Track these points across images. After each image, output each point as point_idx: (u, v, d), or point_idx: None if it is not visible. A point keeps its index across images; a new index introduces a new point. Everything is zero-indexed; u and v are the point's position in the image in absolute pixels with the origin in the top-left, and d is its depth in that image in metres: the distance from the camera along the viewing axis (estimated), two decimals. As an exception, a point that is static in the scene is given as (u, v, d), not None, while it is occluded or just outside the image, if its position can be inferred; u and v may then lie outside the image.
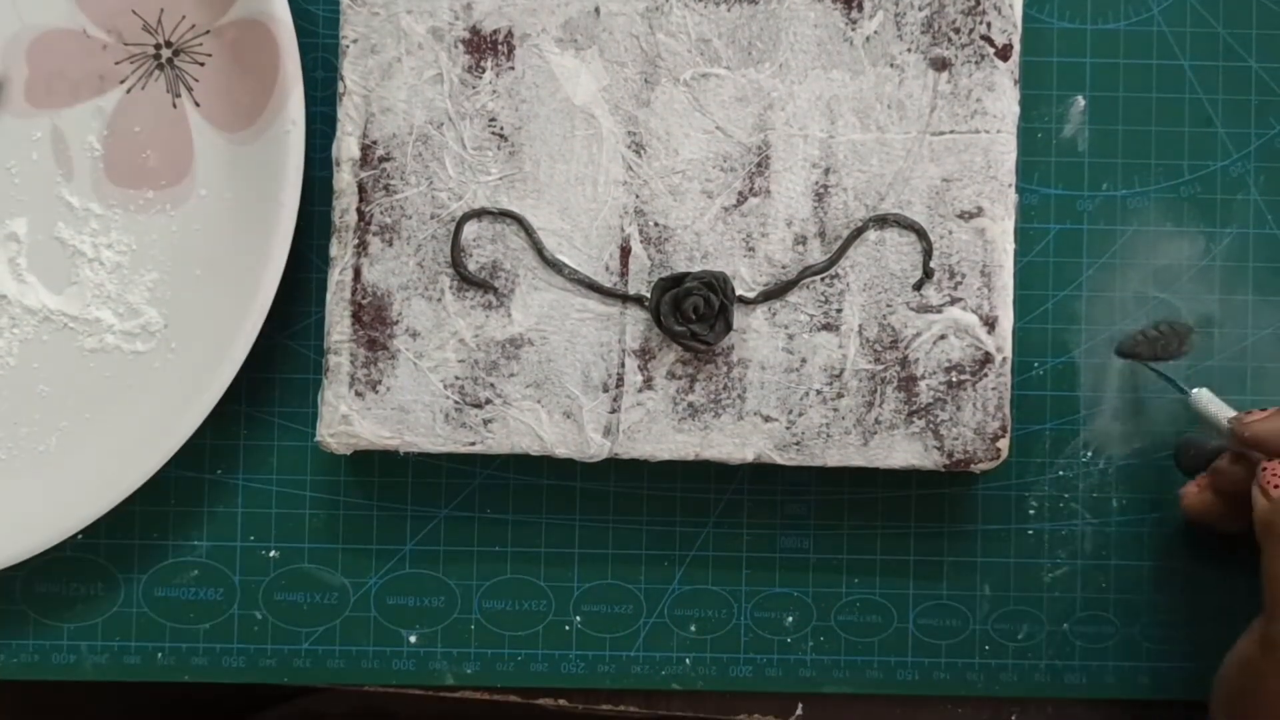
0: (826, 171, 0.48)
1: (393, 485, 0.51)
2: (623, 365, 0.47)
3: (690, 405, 0.47)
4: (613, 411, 0.47)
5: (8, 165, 0.50)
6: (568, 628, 0.51)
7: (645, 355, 0.47)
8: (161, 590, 0.51)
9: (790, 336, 0.47)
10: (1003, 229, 0.47)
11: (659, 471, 0.51)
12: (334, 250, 0.47)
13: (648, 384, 0.47)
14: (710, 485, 0.51)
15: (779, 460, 0.48)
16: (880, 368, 0.47)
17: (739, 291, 0.47)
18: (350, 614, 0.51)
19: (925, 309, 0.47)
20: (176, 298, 0.50)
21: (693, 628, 0.51)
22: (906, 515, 0.51)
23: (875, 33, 0.47)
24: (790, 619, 0.51)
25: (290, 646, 0.51)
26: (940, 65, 0.47)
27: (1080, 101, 0.52)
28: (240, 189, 0.50)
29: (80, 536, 0.51)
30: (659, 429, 0.47)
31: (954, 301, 0.47)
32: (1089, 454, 0.51)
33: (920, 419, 0.47)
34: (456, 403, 0.47)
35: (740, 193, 0.48)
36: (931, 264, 0.47)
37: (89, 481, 0.48)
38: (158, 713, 0.67)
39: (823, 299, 0.47)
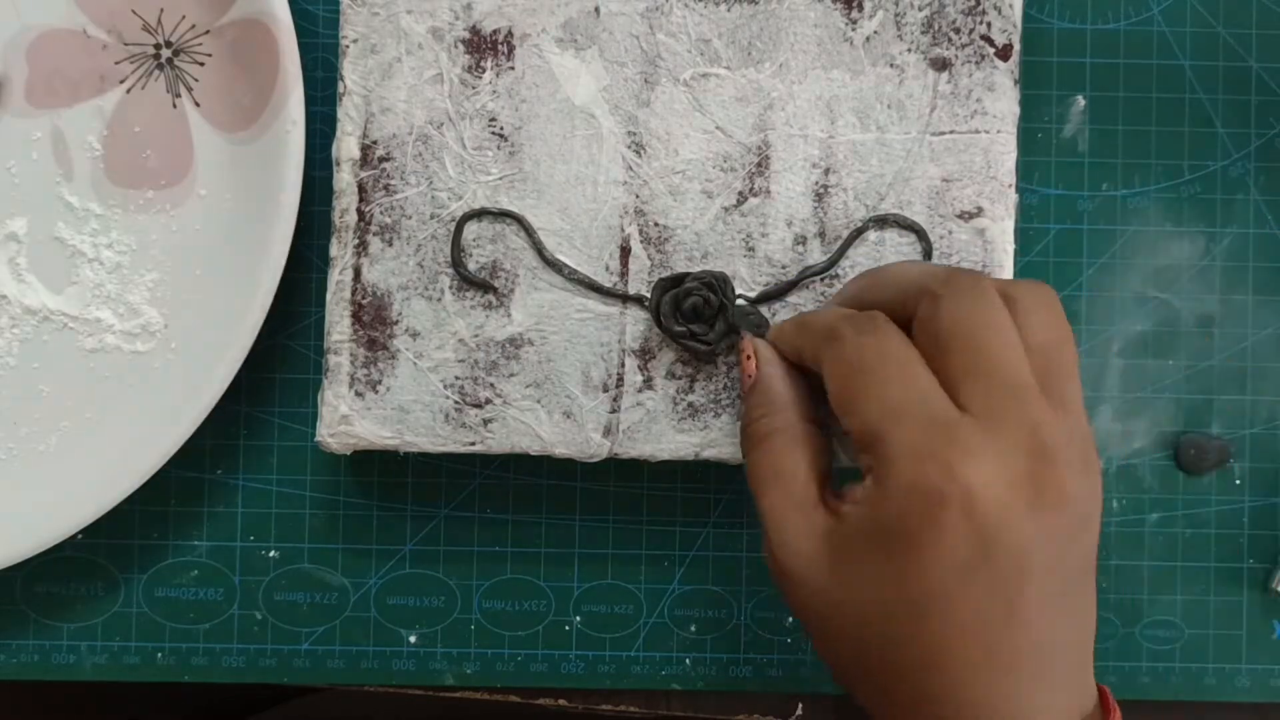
0: (826, 171, 0.48)
1: (393, 485, 0.51)
2: (623, 365, 0.47)
3: (690, 405, 0.47)
4: (612, 411, 0.47)
5: (8, 165, 0.50)
6: (568, 628, 0.51)
7: (645, 355, 0.47)
8: (161, 590, 0.51)
9: (790, 336, 0.47)
10: (1003, 229, 0.47)
11: (659, 471, 0.51)
12: (334, 250, 0.47)
13: (648, 384, 0.47)
14: (710, 485, 0.51)
15: (779, 460, 0.47)
16: (880, 368, 0.47)
17: (739, 291, 0.47)
18: (350, 614, 0.51)
19: (925, 309, 0.47)
20: (176, 298, 0.50)
21: (693, 628, 0.51)
22: (906, 515, 0.51)
23: (875, 33, 0.47)
24: (790, 619, 0.51)
25: (290, 646, 0.51)
26: (940, 65, 0.47)
27: (1080, 101, 0.52)
28: (240, 189, 0.50)
29: (80, 536, 0.51)
30: (659, 429, 0.47)
31: (954, 301, 0.47)
32: (1089, 454, 0.51)
33: (920, 419, 0.47)
34: (456, 403, 0.47)
35: (740, 193, 0.48)
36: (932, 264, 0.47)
37: (89, 481, 0.48)
38: (157, 713, 0.67)
39: (823, 299, 0.47)
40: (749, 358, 0.44)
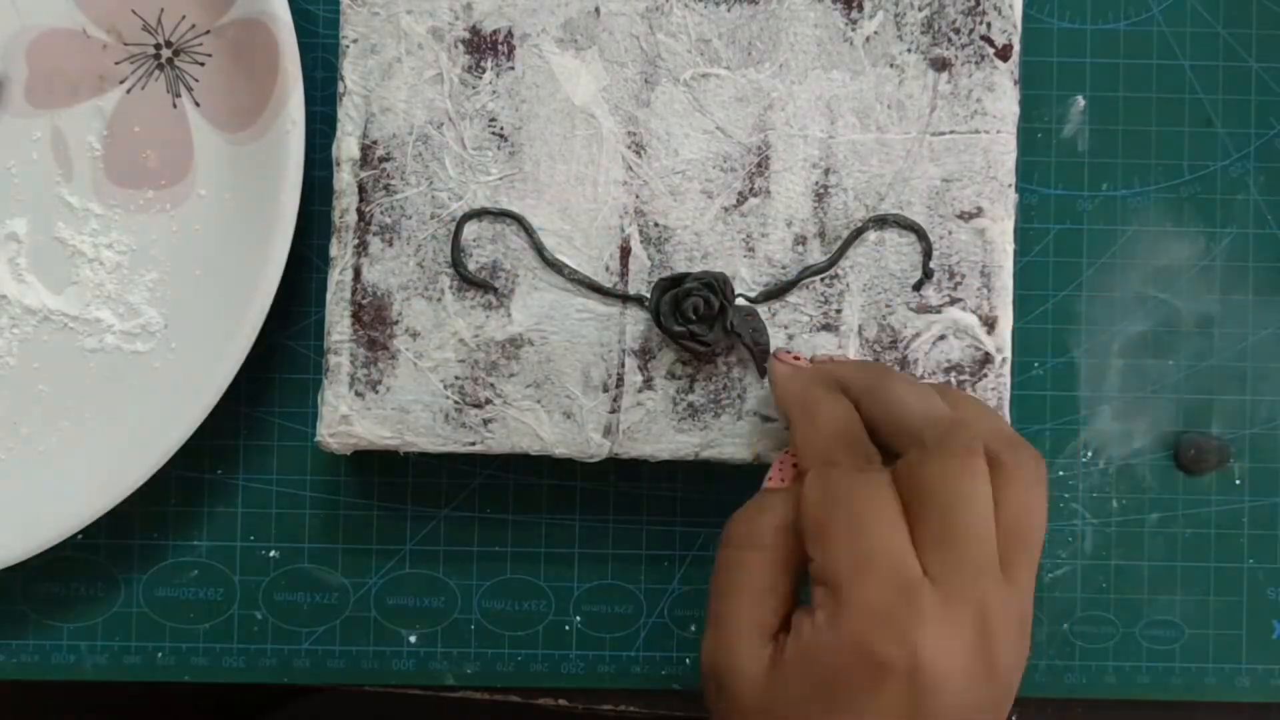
0: (826, 172, 0.48)
1: (393, 485, 0.51)
2: (623, 365, 0.47)
3: (690, 405, 0.47)
4: (613, 411, 0.47)
5: (8, 165, 0.50)
6: (568, 628, 0.51)
7: (645, 355, 0.47)
8: (161, 590, 0.51)
9: (790, 337, 0.47)
10: (1003, 229, 0.47)
11: (659, 471, 0.51)
12: (334, 250, 0.47)
13: (648, 384, 0.47)
14: (710, 485, 0.51)
15: (779, 460, 0.47)
16: (880, 368, 0.47)
17: (739, 291, 0.47)
18: (350, 614, 0.51)
19: (925, 309, 0.47)
20: (176, 298, 0.50)
21: (693, 628, 0.51)
22: (906, 515, 0.51)
23: (875, 33, 0.47)
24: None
25: (290, 646, 0.51)
26: (940, 65, 0.47)
27: (1080, 101, 0.52)
28: (240, 189, 0.50)
29: (80, 536, 0.50)
30: (659, 429, 0.47)
31: (954, 302, 0.47)
32: (1089, 454, 0.51)
33: (920, 419, 0.47)
34: (456, 403, 0.47)
35: (740, 193, 0.48)
36: (931, 264, 0.47)
37: (89, 481, 0.48)
38: (158, 713, 0.67)
39: (823, 299, 0.47)
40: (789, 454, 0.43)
